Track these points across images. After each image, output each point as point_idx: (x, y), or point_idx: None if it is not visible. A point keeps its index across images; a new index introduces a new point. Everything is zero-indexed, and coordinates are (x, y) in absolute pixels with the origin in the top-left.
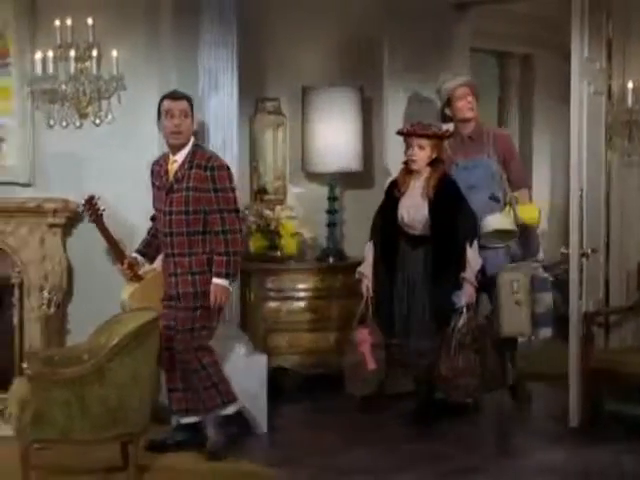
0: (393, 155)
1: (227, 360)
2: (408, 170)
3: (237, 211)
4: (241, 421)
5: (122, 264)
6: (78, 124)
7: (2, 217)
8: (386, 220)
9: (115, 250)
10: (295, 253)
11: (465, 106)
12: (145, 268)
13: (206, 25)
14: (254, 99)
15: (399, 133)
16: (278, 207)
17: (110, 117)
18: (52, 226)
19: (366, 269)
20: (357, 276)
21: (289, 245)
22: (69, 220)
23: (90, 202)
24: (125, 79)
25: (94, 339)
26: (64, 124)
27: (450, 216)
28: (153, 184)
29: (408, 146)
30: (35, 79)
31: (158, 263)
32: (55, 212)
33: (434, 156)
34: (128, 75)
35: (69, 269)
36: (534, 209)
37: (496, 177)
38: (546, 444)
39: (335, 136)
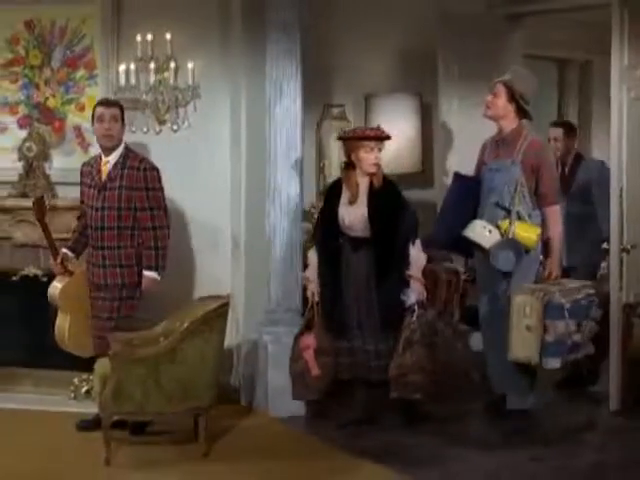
0: (450, 156)
1: None
2: (349, 172)
3: (165, 209)
4: None
5: (55, 259)
6: (157, 130)
7: (71, 214)
8: (328, 223)
9: (52, 246)
10: None
11: (487, 102)
12: (74, 263)
13: (273, 38)
14: (321, 105)
15: (364, 138)
16: None
17: (186, 123)
18: None
19: (311, 273)
20: (303, 281)
21: None
22: None
23: (40, 202)
24: (200, 88)
25: (169, 324)
26: (145, 130)
27: (389, 216)
28: (83, 183)
29: (363, 150)
30: (119, 89)
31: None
32: None
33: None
34: (203, 85)
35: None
36: (534, 231)
37: (512, 184)
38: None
39: (396, 139)
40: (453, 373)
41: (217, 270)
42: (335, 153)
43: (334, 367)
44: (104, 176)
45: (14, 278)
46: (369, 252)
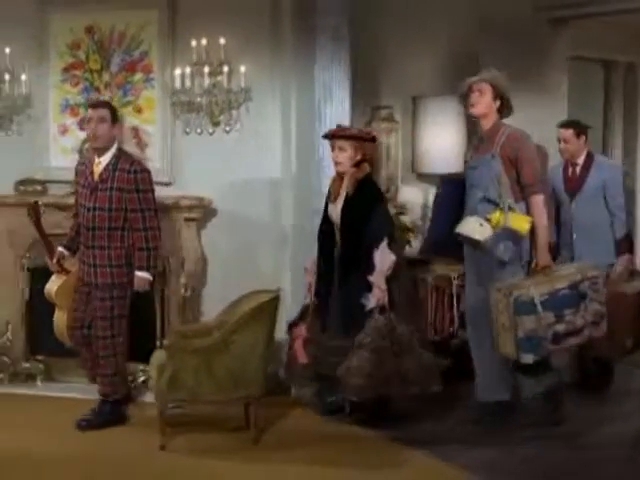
0: None
1: None
2: (340, 172)
3: (156, 210)
4: None
5: (51, 259)
6: (211, 131)
7: None
8: (324, 219)
9: (48, 248)
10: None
11: (470, 102)
12: (71, 261)
13: (322, 42)
14: (369, 107)
15: (324, 137)
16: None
17: (239, 125)
18: (188, 220)
19: (309, 265)
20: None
21: (402, 238)
22: (203, 215)
23: (34, 207)
24: (252, 91)
25: (222, 317)
26: (199, 131)
27: (360, 217)
28: (77, 182)
29: (332, 149)
30: (175, 92)
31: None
32: (191, 208)
33: (358, 157)
34: (254, 88)
35: (203, 258)
36: (526, 220)
37: (496, 177)
38: None
39: (441, 140)
40: (403, 380)
41: (266, 265)
42: (383, 154)
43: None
44: (96, 177)
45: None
46: None
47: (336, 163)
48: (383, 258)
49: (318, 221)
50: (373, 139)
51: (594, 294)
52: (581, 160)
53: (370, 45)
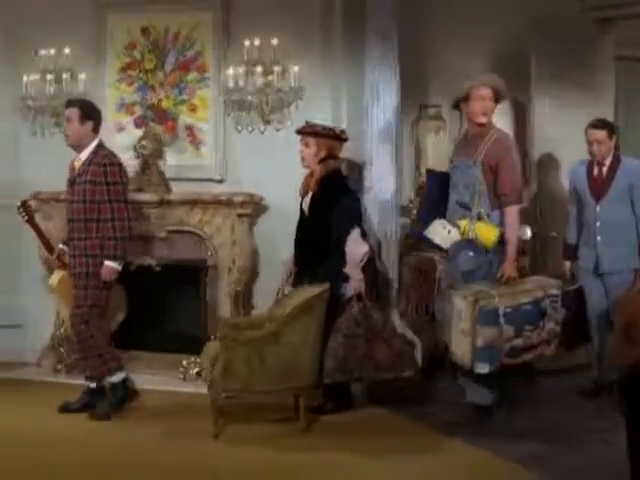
0: (542, 154)
1: None
2: (305, 167)
3: (126, 202)
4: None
5: (52, 255)
6: (262, 129)
7: (199, 208)
8: (301, 214)
9: (46, 244)
10: None
11: (479, 110)
12: None
13: (371, 44)
14: (418, 106)
15: (295, 132)
16: None
17: (289, 124)
18: (240, 216)
19: (286, 257)
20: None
21: None
22: (254, 210)
23: (24, 205)
24: (302, 91)
25: (273, 310)
26: (250, 129)
27: (324, 211)
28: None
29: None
30: (228, 91)
31: None
32: (243, 204)
33: (322, 154)
34: (305, 87)
35: (254, 253)
36: (492, 232)
37: (472, 183)
38: None
39: None
40: (376, 365)
41: None
42: (431, 151)
43: None
44: (76, 172)
45: (131, 267)
46: None
47: (302, 158)
48: (355, 249)
49: (367, 218)
50: (337, 137)
51: (553, 312)
52: (608, 161)
53: (419, 45)
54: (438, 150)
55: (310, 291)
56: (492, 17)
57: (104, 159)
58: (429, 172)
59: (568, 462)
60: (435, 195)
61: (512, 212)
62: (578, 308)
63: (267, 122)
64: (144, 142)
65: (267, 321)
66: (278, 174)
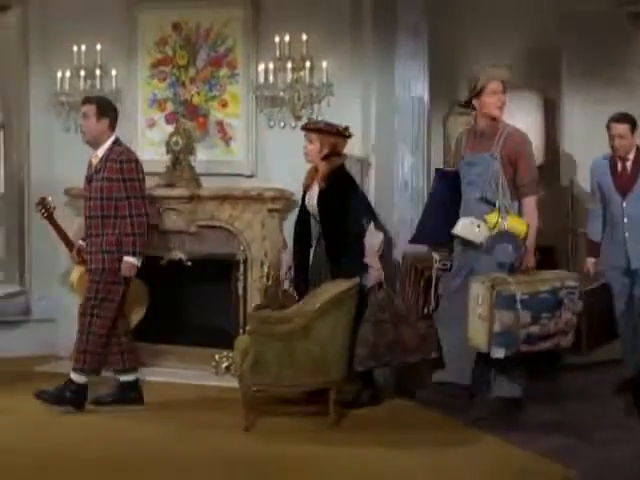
0: (574, 151)
1: None
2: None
3: (143, 197)
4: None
5: (71, 251)
6: (293, 125)
7: (230, 204)
8: (301, 209)
9: (65, 240)
10: None
11: (495, 104)
12: None
13: (401, 40)
14: (447, 102)
15: (301, 129)
16: None
17: (320, 119)
18: (271, 211)
19: (285, 255)
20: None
21: None
22: (285, 206)
23: (42, 202)
24: (333, 86)
25: (303, 304)
26: (282, 125)
27: (337, 207)
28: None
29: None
30: (258, 87)
31: None
32: (273, 199)
33: (325, 151)
34: (336, 83)
35: (285, 247)
36: (522, 224)
37: (494, 178)
38: None
39: None
40: (404, 349)
41: None
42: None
43: None
44: (93, 169)
45: (161, 262)
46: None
47: (305, 154)
48: (371, 239)
49: (397, 216)
50: (340, 134)
51: (570, 303)
52: (632, 155)
53: (449, 40)
54: None
55: (340, 286)
56: (522, 13)
57: (120, 155)
58: (439, 171)
59: (597, 456)
60: (445, 194)
61: (531, 202)
62: (605, 305)
63: (298, 118)
64: (175, 138)
65: (296, 316)
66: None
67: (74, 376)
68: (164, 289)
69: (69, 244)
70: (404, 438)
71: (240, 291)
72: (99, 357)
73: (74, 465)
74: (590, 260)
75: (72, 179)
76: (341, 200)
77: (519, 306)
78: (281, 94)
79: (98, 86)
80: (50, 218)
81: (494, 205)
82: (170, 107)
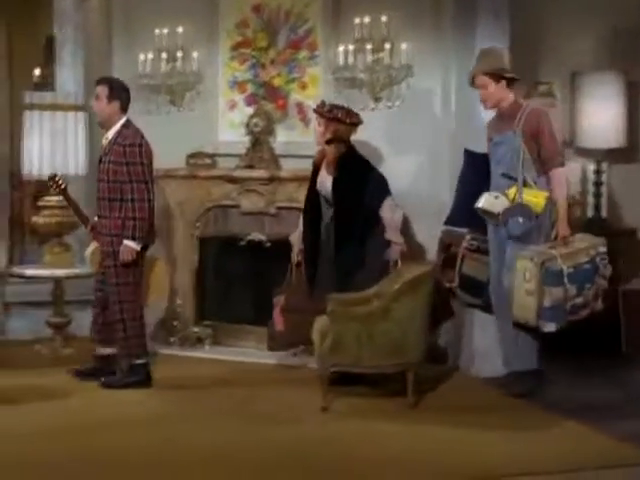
0: None
1: None
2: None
3: (145, 182)
4: None
5: (86, 227)
6: (372, 107)
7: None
8: (309, 192)
9: (80, 216)
10: None
11: (481, 98)
12: None
13: (482, 21)
14: (529, 83)
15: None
16: None
17: (400, 101)
18: None
19: (295, 238)
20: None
21: None
22: None
23: (53, 179)
24: (413, 68)
25: (381, 287)
26: (361, 107)
27: (354, 188)
28: None
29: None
30: (338, 68)
31: None
32: None
33: (328, 135)
34: (415, 64)
35: None
36: (541, 196)
37: (516, 154)
38: None
39: (601, 116)
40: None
41: (422, 238)
42: None
43: (300, 325)
44: (102, 150)
45: (241, 243)
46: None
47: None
48: (392, 214)
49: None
50: (339, 120)
51: (603, 269)
52: None
53: (530, 22)
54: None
55: (418, 268)
56: None
57: (125, 140)
58: (468, 152)
59: None
60: (473, 176)
61: (558, 173)
62: None
63: (378, 100)
64: (255, 119)
65: (374, 298)
66: (388, 150)
67: (125, 363)
68: (244, 270)
69: (84, 220)
70: (480, 420)
71: None
72: (141, 339)
73: None
74: None
75: (154, 161)
76: (355, 182)
77: (566, 280)
78: (360, 76)
79: (179, 68)
80: (64, 193)
81: (516, 180)
82: (250, 89)
